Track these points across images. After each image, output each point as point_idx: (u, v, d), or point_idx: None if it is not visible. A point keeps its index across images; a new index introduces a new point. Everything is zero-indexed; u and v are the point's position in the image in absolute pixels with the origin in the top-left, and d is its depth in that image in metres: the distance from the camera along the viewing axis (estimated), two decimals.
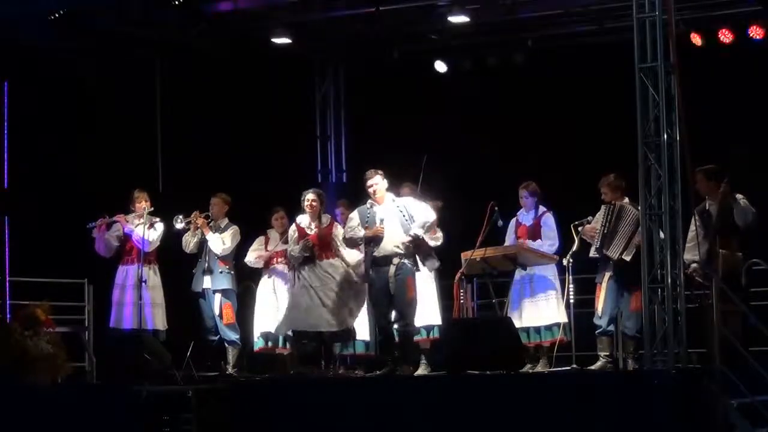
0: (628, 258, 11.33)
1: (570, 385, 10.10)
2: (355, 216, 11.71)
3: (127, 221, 12.95)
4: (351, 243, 11.81)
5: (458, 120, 14.79)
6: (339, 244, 12.07)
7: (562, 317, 11.88)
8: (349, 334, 12.10)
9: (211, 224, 13.01)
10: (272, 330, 12.73)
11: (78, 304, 13.31)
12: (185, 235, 13.04)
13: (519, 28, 14.30)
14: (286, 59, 14.76)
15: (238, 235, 13.04)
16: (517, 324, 11.71)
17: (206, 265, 12.94)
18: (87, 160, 14.14)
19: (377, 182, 11.60)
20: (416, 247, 11.50)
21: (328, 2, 13.58)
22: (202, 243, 13.00)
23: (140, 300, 12.59)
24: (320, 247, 12.07)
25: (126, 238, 12.96)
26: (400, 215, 11.52)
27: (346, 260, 12.09)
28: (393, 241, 11.46)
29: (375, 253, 11.49)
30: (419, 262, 11.55)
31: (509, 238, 12.22)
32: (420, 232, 11.47)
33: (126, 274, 12.90)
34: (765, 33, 13.39)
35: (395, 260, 11.42)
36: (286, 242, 12.50)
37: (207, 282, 12.96)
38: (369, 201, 11.66)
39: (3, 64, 13.37)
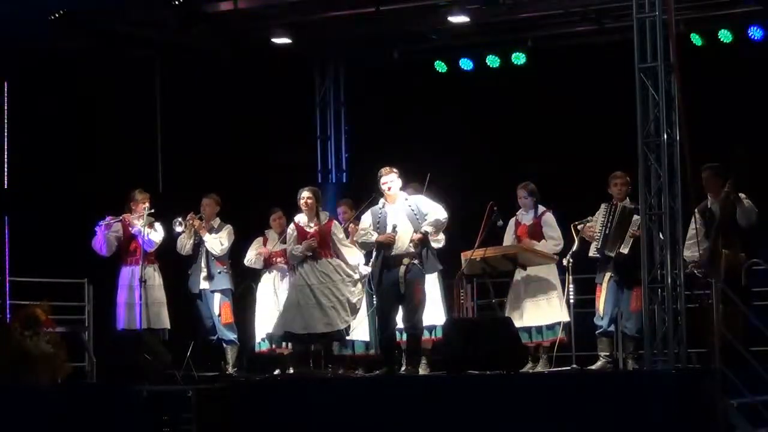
0: (625, 250, 11.34)
1: (570, 385, 10.10)
2: (366, 218, 11.65)
3: (133, 222, 12.96)
4: (364, 246, 11.80)
5: (458, 120, 14.79)
6: (337, 242, 12.07)
7: (564, 316, 11.89)
8: (341, 335, 12.07)
9: (204, 225, 13.01)
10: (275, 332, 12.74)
11: (78, 304, 13.32)
12: (180, 237, 13.03)
13: (519, 28, 14.30)
14: (286, 59, 14.76)
15: (232, 234, 13.06)
16: (519, 323, 11.71)
17: (204, 268, 12.93)
18: (87, 160, 14.14)
19: (392, 180, 11.53)
20: (423, 247, 11.44)
21: (328, 2, 13.58)
22: (198, 245, 13.00)
23: (140, 300, 12.60)
24: (319, 245, 12.05)
25: (128, 238, 12.96)
26: (411, 214, 11.47)
27: (346, 260, 12.08)
28: (405, 241, 11.43)
29: (386, 254, 11.47)
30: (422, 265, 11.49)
31: (509, 238, 12.21)
32: (430, 230, 11.43)
33: (132, 274, 12.89)
34: (765, 33, 13.39)
35: (405, 260, 11.38)
36: (284, 242, 12.50)
37: (204, 283, 12.97)
38: (381, 200, 11.63)
39: (3, 64, 13.37)
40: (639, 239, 10.74)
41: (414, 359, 11.55)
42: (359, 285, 12.10)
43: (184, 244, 13.04)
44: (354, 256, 12.11)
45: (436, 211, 11.51)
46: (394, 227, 11.44)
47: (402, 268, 11.37)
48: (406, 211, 11.50)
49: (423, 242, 11.42)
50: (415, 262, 11.39)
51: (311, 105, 15.98)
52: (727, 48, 13.58)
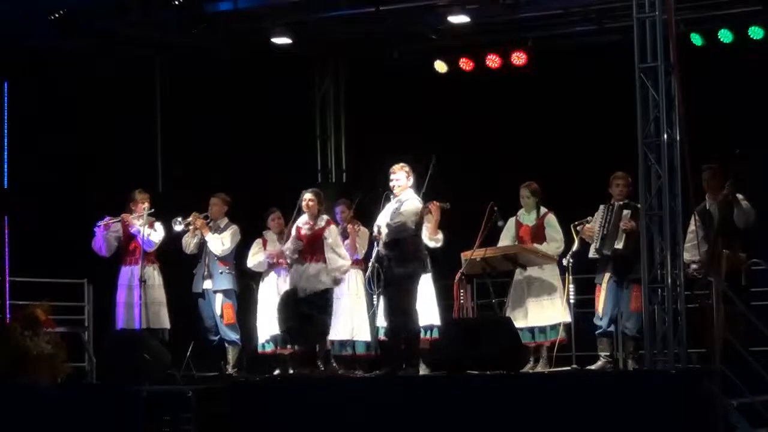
0: (619, 246, 11.33)
1: (570, 385, 10.10)
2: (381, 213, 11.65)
3: (132, 221, 12.96)
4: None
5: (458, 120, 14.79)
6: (326, 246, 12.01)
7: (565, 317, 11.88)
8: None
9: (210, 224, 13.01)
10: (279, 331, 12.71)
11: (78, 304, 13.32)
12: (185, 236, 13.03)
13: (519, 28, 14.29)
14: (286, 59, 14.76)
15: (237, 234, 13.03)
16: (523, 323, 11.72)
17: (206, 268, 12.92)
18: (87, 160, 14.14)
19: (398, 178, 11.53)
20: (394, 248, 11.38)
21: (328, 2, 13.57)
22: (202, 244, 13.00)
23: (140, 300, 12.60)
24: (307, 249, 12.03)
25: (128, 238, 12.96)
26: (391, 213, 11.43)
27: (332, 264, 11.99)
28: (382, 240, 11.45)
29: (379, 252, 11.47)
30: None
31: (508, 237, 12.17)
32: (382, 227, 11.34)
33: (132, 274, 12.89)
34: (765, 33, 13.39)
35: (384, 262, 11.39)
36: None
37: (207, 283, 12.96)
38: (392, 196, 11.58)
39: (3, 64, 13.37)
40: (633, 235, 10.76)
41: (412, 360, 11.54)
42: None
43: (189, 243, 13.03)
44: (340, 261, 12.06)
45: (402, 208, 11.38)
46: (378, 227, 11.45)
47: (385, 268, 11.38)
48: (392, 208, 11.47)
49: (391, 244, 11.31)
50: (394, 264, 11.35)
51: (311, 105, 15.98)
52: (727, 48, 13.57)
